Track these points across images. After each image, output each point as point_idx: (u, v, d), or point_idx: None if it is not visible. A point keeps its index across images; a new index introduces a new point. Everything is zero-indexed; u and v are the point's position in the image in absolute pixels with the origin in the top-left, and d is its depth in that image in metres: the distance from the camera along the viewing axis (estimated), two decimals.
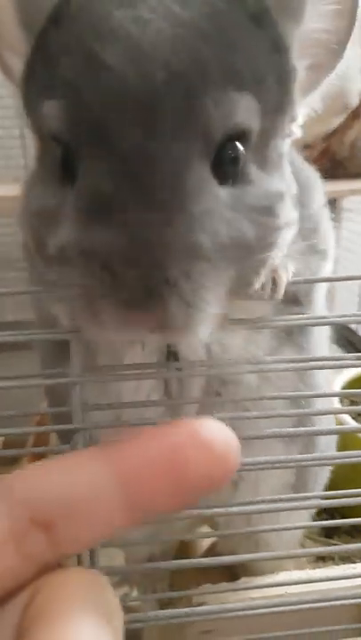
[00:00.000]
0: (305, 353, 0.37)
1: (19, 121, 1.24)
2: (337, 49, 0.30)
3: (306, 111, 0.33)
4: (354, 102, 0.86)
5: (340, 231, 1.26)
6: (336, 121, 0.89)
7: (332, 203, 1.27)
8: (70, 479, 0.20)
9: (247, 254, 0.27)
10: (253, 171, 0.28)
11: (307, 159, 0.97)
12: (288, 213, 0.30)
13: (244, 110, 0.26)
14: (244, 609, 0.32)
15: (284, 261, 0.31)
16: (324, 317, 0.37)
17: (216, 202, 0.25)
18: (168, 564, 0.33)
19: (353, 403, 0.65)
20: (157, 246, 0.22)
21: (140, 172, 0.23)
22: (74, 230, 0.24)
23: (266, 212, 0.27)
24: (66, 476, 0.20)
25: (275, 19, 0.28)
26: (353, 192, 0.97)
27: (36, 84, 0.28)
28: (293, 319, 0.32)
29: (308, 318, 0.35)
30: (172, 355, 0.34)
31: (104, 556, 0.31)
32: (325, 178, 0.98)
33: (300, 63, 0.30)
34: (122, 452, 0.20)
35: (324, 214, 0.39)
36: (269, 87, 0.27)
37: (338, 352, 1.20)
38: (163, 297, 0.23)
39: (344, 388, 0.63)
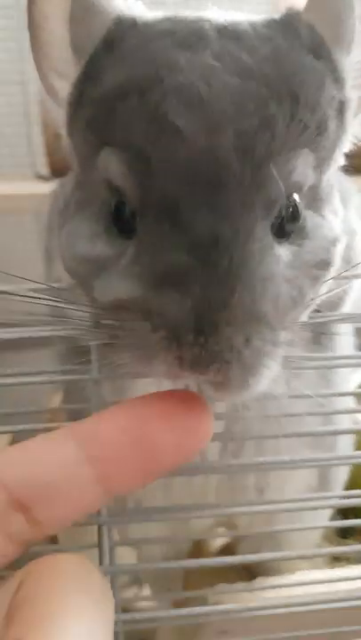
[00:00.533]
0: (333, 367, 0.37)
1: (25, 119, 1.24)
2: None
3: (352, 140, 0.32)
4: None
5: None
6: None
7: None
8: (43, 461, 0.21)
9: (303, 308, 0.27)
10: (309, 218, 0.28)
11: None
12: (341, 252, 0.29)
13: (303, 167, 0.26)
14: (259, 609, 0.31)
15: None
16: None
17: (277, 264, 0.25)
18: (185, 562, 0.33)
19: None
20: (223, 317, 0.22)
21: (210, 249, 0.23)
22: (135, 289, 0.24)
23: (323, 265, 0.27)
24: (39, 458, 0.21)
25: (330, 50, 0.28)
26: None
27: (87, 115, 0.27)
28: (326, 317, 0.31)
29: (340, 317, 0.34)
30: None
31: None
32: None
33: (353, 95, 0.29)
34: (92, 431, 0.21)
35: (359, 228, 0.39)
36: (330, 133, 0.27)
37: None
38: (225, 361, 0.23)
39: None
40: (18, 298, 0.28)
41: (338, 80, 0.28)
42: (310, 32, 0.27)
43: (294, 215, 0.26)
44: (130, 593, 0.53)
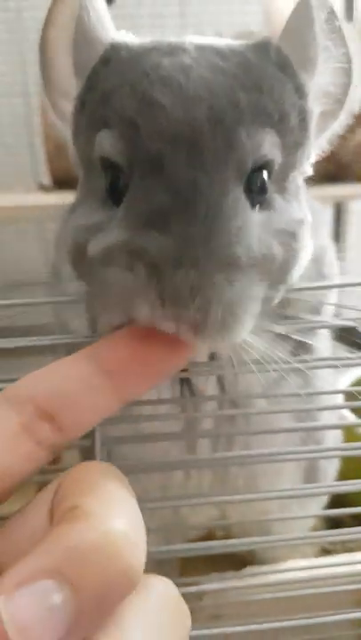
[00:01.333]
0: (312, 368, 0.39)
1: (28, 129, 1.27)
2: (340, 100, 0.36)
3: (316, 151, 0.37)
4: (357, 108, 0.88)
5: (348, 234, 1.28)
6: None
7: (338, 206, 1.29)
8: (64, 376, 0.25)
9: (274, 271, 0.30)
10: (277, 199, 0.32)
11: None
12: (307, 239, 0.33)
13: (270, 144, 0.30)
14: (245, 588, 0.34)
15: None
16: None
17: (249, 221, 0.29)
18: (175, 547, 0.35)
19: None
20: (202, 254, 0.26)
21: (188, 195, 0.27)
22: (123, 234, 0.27)
23: (289, 235, 0.31)
24: (61, 374, 0.25)
25: (295, 68, 0.33)
26: (357, 196, 0.99)
27: (88, 116, 0.32)
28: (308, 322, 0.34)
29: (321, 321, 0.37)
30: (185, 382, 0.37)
31: None
32: (331, 182, 1.00)
33: (315, 108, 0.34)
34: (103, 352, 0.25)
35: (331, 247, 0.42)
36: (291, 126, 0.32)
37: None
38: (207, 298, 0.26)
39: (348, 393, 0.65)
40: (20, 308, 0.31)
41: (300, 91, 0.33)
42: (278, 53, 0.32)
43: (263, 188, 0.31)
44: None
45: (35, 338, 0.32)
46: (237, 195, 0.29)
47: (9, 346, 0.31)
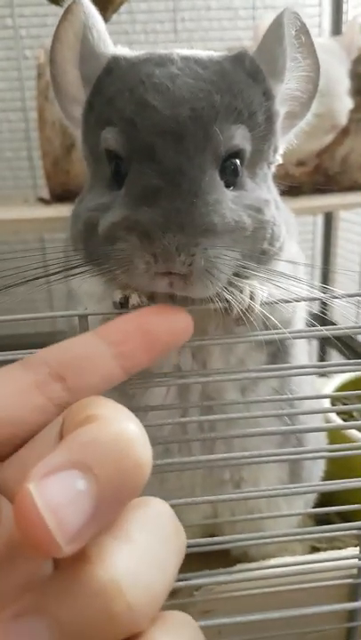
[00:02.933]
0: (287, 376, 0.42)
1: (27, 143, 1.30)
2: (306, 103, 0.42)
3: (284, 146, 0.43)
4: (342, 121, 0.91)
5: (337, 240, 1.31)
6: (327, 138, 0.94)
7: (328, 216, 1.32)
8: (74, 345, 0.29)
9: (246, 239, 0.36)
10: (248, 182, 0.38)
11: (301, 175, 1.01)
12: (273, 216, 0.38)
13: (240, 137, 0.36)
14: (232, 582, 0.36)
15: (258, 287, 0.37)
16: (318, 329, 0.41)
17: (223, 196, 0.35)
18: None
19: (345, 404, 0.69)
20: (186, 221, 0.32)
21: (174, 176, 0.33)
22: (123, 212, 0.34)
23: (256, 210, 0.37)
24: (71, 343, 0.29)
25: (265, 76, 0.39)
26: (345, 206, 1.02)
27: (95, 117, 0.38)
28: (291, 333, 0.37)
29: (308, 331, 0.39)
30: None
31: None
32: (320, 192, 1.03)
33: (281, 109, 0.40)
34: (110, 326, 0.29)
35: (301, 258, 0.45)
36: (259, 123, 0.38)
37: (337, 356, 1.23)
38: (192, 253, 0.32)
39: (335, 392, 0.67)
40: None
41: (268, 95, 0.39)
42: (252, 63, 0.38)
43: (235, 172, 0.37)
44: None
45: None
46: (213, 175, 0.35)
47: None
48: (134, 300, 0.34)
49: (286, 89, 0.40)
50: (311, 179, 0.98)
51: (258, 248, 0.37)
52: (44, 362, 0.27)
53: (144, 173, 0.33)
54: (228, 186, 0.36)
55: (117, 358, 0.28)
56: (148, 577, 0.22)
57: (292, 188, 0.99)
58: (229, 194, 0.36)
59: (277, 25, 0.38)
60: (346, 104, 0.91)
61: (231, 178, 0.36)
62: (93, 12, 0.39)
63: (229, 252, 0.34)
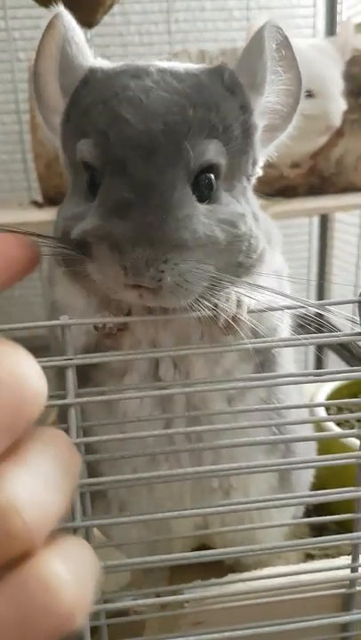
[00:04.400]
0: (275, 385, 0.42)
1: (21, 146, 1.30)
2: (287, 117, 0.41)
3: (264, 158, 0.43)
4: (337, 122, 0.90)
5: (333, 242, 1.30)
6: (322, 140, 0.94)
7: (323, 217, 1.32)
8: None
9: (220, 252, 0.36)
10: (223, 195, 0.38)
11: (296, 177, 1.01)
12: (249, 229, 0.38)
13: (213, 152, 0.36)
14: (224, 595, 0.36)
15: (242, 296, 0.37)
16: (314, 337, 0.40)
17: (195, 211, 0.35)
18: (159, 557, 0.37)
19: (340, 410, 0.69)
20: (155, 237, 0.32)
21: (144, 190, 0.33)
22: (95, 221, 0.34)
23: (230, 224, 0.37)
24: None
25: (244, 90, 0.38)
26: (341, 208, 1.01)
27: (72, 128, 0.39)
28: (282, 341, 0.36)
29: (305, 338, 0.39)
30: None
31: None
32: (315, 194, 1.02)
33: (260, 122, 0.40)
34: None
35: (285, 269, 0.45)
36: (235, 136, 0.37)
37: (334, 358, 1.22)
38: (160, 269, 0.33)
39: (329, 398, 0.67)
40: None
41: (245, 109, 0.38)
42: (230, 76, 0.38)
43: (210, 186, 0.37)
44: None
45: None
46: (185, 190, 0.34)
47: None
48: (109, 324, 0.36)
49: (266, 102, 0.40)
50: (306, 180, 0.98)
51: (234, 261, 0.37)
52: None
53: (116, 186, 0.34)
54: (202, 200, 0.36)
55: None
56: (42, 497, 0.24)
57: (287, 189, 0.99)
58: (202, 208, 0.36)
59: (258, 38, 0.38)
60: (340, 105, 0.90)
61: (206, 192, 0.36)
62: (73, 25, 0.39)
63: (201, 265, 0.34)
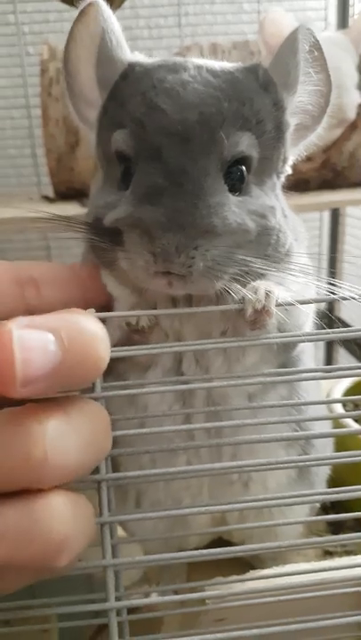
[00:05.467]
0: (297, 380, 0.42)
1: (31, 141, 1.29)
2: (317, 117, 0.42)
3: (294, 157, 0.44)
4: (351, 115, 0.90)
5: (343, 236, 1.29)
6: (335, 133, 0.93)
7: (335, 211, 1.31)
8: (54, 269, 0.38)
9: (249, 243, 0.36)
10: (254, 189, 0.38)
11: (308, 170, 1.00)
12: (279, 223, 0.38)
13: (246, 144, 0.36)
14: (245, 592, 0.35)
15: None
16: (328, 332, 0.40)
17: (226, 199, 0.35)
18: (178, 554, 0.36)
19: (356, 407, 0.68)
20: (187, 222, 0.33)
21: (178, 177, 0.33)
22: (127, 208, 0.34)
23: (260, 215, 0.37)
24: (52, 267, 0.39)
25: (278, 88, 0.39)
26: (352, 202, 1.00)
27: (108, 120, 0.39)
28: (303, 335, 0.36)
29: (316, 334, 0.39)
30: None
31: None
32: (328, 188, 1.01)
33: (292, 121, 0.41)
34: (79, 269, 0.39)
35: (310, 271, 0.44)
36: (268, 131, 0.38)
37: (345, 355, 1.22)
38: (191, 255, 0.33)
39: (345, 394, 0.66)
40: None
41: (278, 106, 0.39)
42: (265, 74, 0.39)
43: (241, 178, 0.37)
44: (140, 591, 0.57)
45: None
46: (217, 179, 0.35)
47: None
48: (144, 321, 0.36)
49: (298, 101, 0.40)
50: (319, 174, 0.97)
51: (262, 253, 0.37)
52: (28, 269, 0.34)
53: (149, 173, 0.34)
54: (233, 191, 0.36)
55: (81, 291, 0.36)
56: (70, 449, 0.26)
57: (299, 183, 0.98)
58: (233, 198, 0.36)
59: (292, 39, 0.39)
60: (354, 98, 0.89)
61: (237, 183, 0.37)
62: (111, 16, 0.40)
63: (231, 252, 0.35)
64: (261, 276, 0.36)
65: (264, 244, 0.37)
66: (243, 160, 0.37)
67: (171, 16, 1.28)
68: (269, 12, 0.91)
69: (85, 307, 0.31)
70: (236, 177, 0.36)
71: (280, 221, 0.38)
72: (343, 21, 1.21)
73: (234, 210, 0.35)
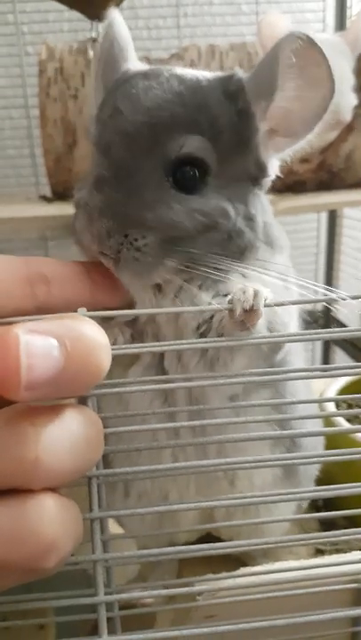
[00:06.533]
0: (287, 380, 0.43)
1: (29, 141, 1.30)
2: (308, 124, 0.40)
3: (276, 163, 0.43)
4: (347, 117, 0.90)
5: (341, 238, 1.30)
6: (331, 135, 0.93)
7: (332, 213, 1.31)
8: (64, 267, 0.37)
9: (191, 237, 0.38)
10: (211, 192, 0.39)
11: (305, 172, 1.01)
12: (234, 224, 0.39)
13: (195, 146, 0.38)
14: (233, 588, 0.36)
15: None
16: (330, 332, 0.40)
17: (165, 196, 0.38)
18: (167, 550, 0.37)
19: (350, 406, 0.68)
20: (119, 212, 0.37)
21: (120, 171, 0.38)
22: (83, 193, 0.39)
23: (204, 214, 0.38)
24: (63, 265, 0.37)
25: (247, 95, 0.40)
26: (349, 203, 1.01)
27: (94, 121, 0.43)
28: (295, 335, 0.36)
29: (305, 334, 0.39)
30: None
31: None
32: (324, 189, 1.02)
33: (262, 126, 0.41)
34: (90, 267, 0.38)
35: (290, 272, 0.45)
36: (226, 138, 0.40)
37: (341, 354, 1.22)
38: (119, 242, 0.37)
39: (339, 393, 0.66)
40: None
41: (243, 113, 0.40)
42: (236, 84, 0.41)
43: (191, 178, 0.39)
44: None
45: None
46: (158, 176, 0.38)
47: None
48: (119, 340, 0.40)
49: (277, 108, 0.40)
50: (315, 176, 0.97)
51: (209, 250, 0.39)
52: (39, 266, 0.35)
53: (99, 165, 0.39)
54: (185, 190, 0.38)
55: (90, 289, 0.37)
56: (62, 451, 0.27)
57: (296, 185, 0.98)
58: (179, 196, 0.38)
59: (275, 47, 0.39)
60: (351, 100, 0.90)
61: (189, 183, 0.39)
62: (120, 28, 0.45)
63: (168, 245, 0.37)
64: (217, 270, 0.38)
65: (211, 242, 0.39)
66: (194, 162, 0.39)
67: (169, 17, 1.29)
68: (266, 15, 0.91)
69: (93, 306, 0.33)
70: (188, 177, 0.39)
71: (235, 224, 0.39)
72: (341, 23, 1.21)
73: (173, 206, 0.37)
